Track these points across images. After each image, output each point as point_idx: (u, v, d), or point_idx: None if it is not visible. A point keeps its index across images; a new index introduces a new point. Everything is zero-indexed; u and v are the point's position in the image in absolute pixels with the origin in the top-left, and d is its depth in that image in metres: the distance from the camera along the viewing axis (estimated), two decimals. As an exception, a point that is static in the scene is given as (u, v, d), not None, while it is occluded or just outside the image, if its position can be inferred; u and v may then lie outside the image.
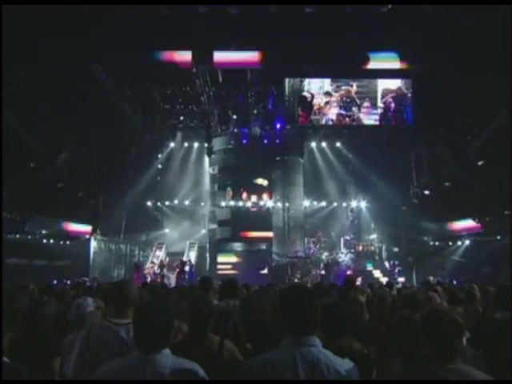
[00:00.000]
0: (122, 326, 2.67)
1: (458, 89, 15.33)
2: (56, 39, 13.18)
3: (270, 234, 21.09)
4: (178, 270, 18.52)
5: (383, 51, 16.35)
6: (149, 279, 18.09)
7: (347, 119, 18.55)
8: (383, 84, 18.46)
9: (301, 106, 18.41)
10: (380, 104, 18.38)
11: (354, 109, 18.49)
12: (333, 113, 18.57)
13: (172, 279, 18.40)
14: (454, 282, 13.60)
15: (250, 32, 14.32)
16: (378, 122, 18.75)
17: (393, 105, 18.38)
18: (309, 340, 2.06)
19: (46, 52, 13.47)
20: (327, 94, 18.37)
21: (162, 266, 19.80)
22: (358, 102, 18.45)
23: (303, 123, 19.34)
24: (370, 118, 18.82)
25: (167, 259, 21.23)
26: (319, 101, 18.44)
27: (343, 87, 18.45)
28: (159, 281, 17.30)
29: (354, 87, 18.41)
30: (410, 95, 18.13)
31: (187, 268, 18.73)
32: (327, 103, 18.41)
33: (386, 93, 18.33)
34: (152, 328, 2.13)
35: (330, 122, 18.96)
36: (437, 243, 22.20)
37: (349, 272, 18.43)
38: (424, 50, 15.03)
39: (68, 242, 20.63)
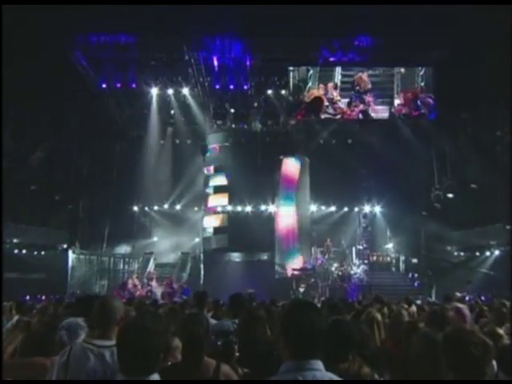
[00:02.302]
0: (106, 349, 2.65)
1: (486, 78, 15.36)
2: (29, 22, 13.18)
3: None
4: (168, 288, 18.55)
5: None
6: (137, 293, 18.03)
7: (357, 109, 18.71)
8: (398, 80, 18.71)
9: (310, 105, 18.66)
10: (396, 96, 18.55)
11: (366, 99, 18.66)
12: (341, 106, 18.77)
13: (160, 294, 18.40)
14: (482, 298, 13.57)
15: (249, 16, 14.37)
16: (393, 115, 18.90)
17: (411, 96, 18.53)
18: (311, 364, 2.04)
19: (19, 36, 13.48)
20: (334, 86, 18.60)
21: (150, 278, 19.76)
22: (372, 92, 18.62)
23: (299, 120, 19.60)
24: (384, 111, 18.93)
25: (156, 271, 21.19)
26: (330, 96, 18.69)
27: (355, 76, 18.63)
28: (146, 295, 17.32)
29: (365, 75, 18.57)
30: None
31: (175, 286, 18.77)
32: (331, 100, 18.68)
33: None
34: (138, 350, 2.11)
35: (339, 116, 19.16)
36: (462, 253, 22.16)
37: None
38: (445, 35, 15.08)
39: (43, 253, 20.58)
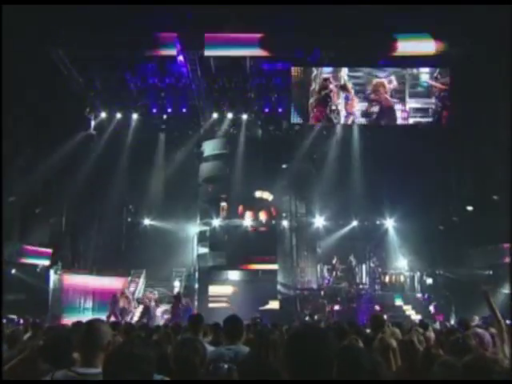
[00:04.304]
0: (90, 377, 2.63)
1: (506, 79, 15.40)
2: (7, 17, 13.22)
3: (274, 264, 20.97)
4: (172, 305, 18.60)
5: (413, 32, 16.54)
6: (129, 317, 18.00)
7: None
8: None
9: (318, 101, 18.65)
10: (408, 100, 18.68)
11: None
12: (358, 110, 18.82)
13: (155, 315, 18.39)
14: (508, 322, 13.47)
15: (249, 9, 14.44)
16: (406, 121, 18.97)
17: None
18: None
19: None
20: (344, 88, 18.61)
21: (146, 300, 19.66)
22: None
23: (318, 121, 19.52)
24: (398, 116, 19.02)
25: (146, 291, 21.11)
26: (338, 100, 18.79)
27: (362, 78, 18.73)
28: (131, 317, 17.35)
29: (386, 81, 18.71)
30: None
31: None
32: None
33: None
34: (127, 379, 2.10)
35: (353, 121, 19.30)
36: (483, 272, 22.01)
37: (377, 307, 18.30)
38: (463, 34, 15.17)
39: (22, 271, 20.45)
